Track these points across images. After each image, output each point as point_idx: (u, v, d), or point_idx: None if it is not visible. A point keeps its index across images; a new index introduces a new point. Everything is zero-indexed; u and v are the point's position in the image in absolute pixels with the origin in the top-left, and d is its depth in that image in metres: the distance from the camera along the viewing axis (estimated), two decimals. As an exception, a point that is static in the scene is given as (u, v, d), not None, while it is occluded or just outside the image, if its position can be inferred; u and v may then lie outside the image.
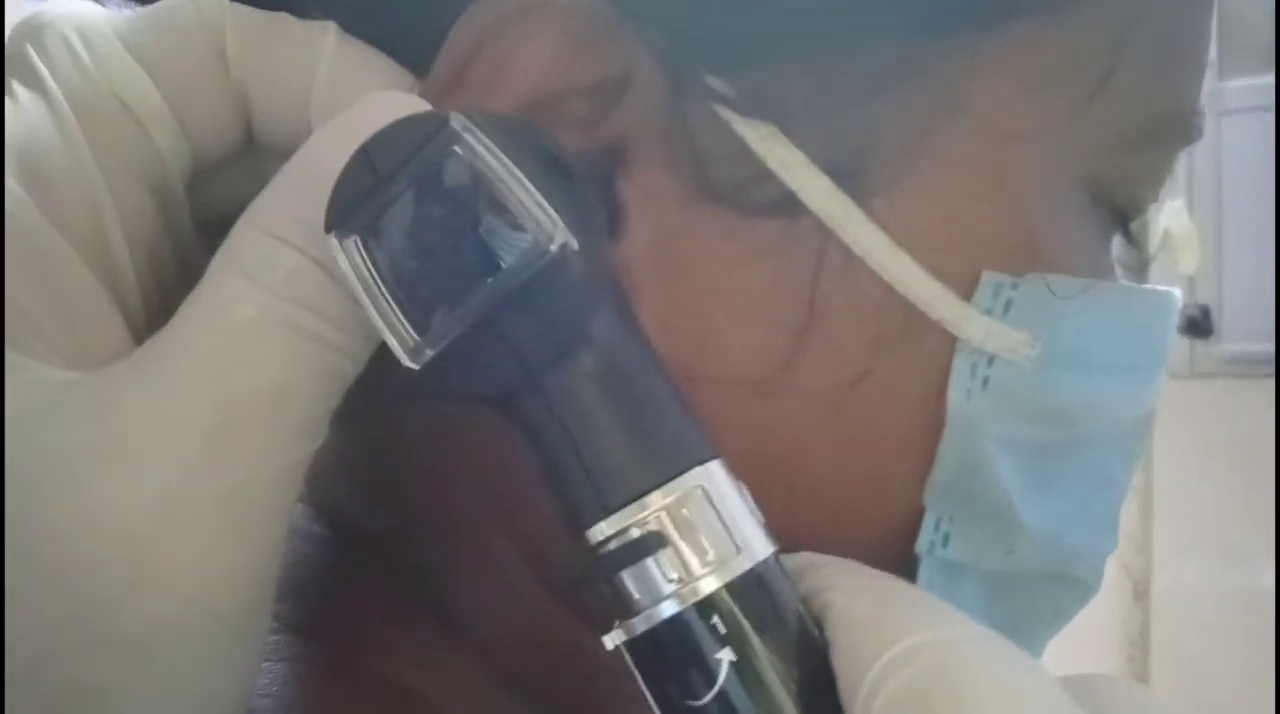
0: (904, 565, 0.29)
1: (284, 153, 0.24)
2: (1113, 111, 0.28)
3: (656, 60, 0.25)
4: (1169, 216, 1.77)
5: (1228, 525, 2.19)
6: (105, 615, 0.21)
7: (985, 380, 0.27)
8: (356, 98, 0.24)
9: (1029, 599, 0.32)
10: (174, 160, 0.25)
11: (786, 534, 0.24)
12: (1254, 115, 2.57)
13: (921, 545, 0.29)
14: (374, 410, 0.25)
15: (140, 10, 0.26)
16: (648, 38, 0.25)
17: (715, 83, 0.25)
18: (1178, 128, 0.30)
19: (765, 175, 0.26)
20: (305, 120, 0.25)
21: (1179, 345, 2.12)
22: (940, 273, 0.27)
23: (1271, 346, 1.85)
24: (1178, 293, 0.32)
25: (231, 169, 0.26)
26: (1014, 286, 0.27)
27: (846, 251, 0.26)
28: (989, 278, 0.27)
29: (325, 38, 0.26)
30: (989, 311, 0.27)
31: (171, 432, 0.22)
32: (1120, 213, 0.30)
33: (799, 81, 0.26)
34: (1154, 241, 1.73)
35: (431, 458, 0.30)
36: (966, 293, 0.27)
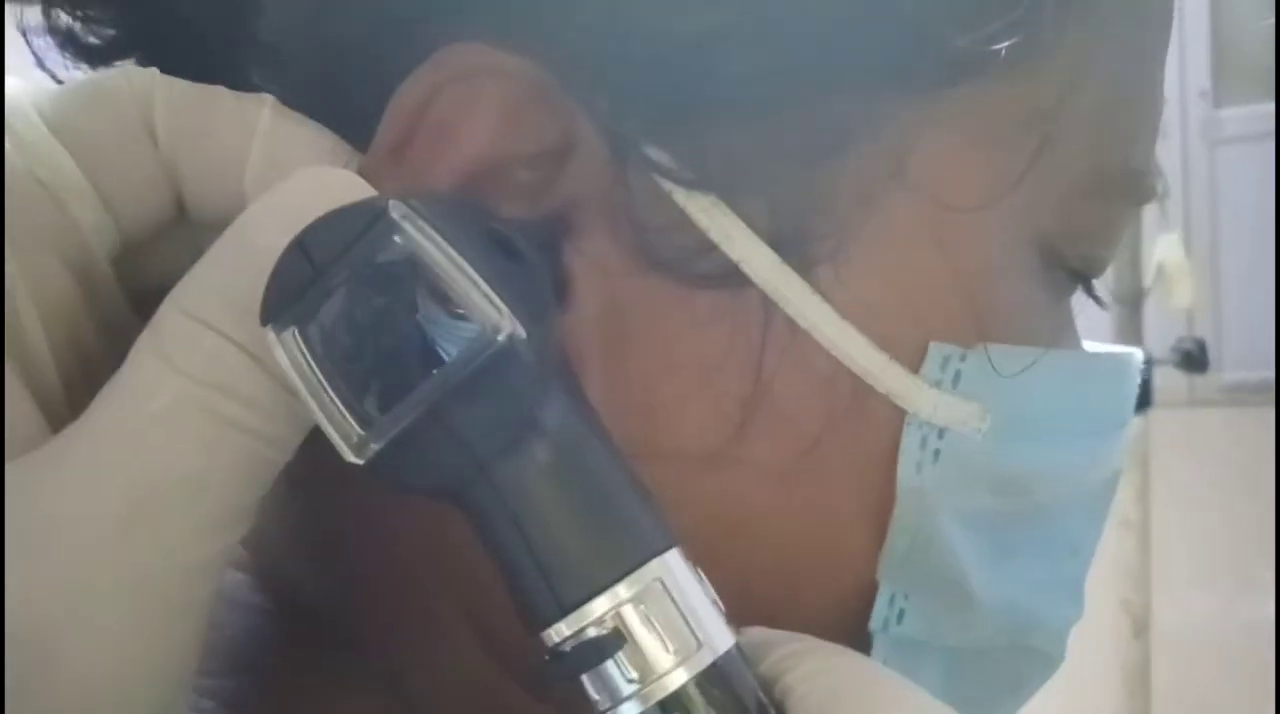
0: (860, 642, 0.29)
1: (217, 227, 0.24)
2: (1061, 171, 0.27)
3: (597, 129, 0.25)
4: (1163, 250, 1.77)
5: (1228, 557, 2.17)
6: (11, 705, 0.21)
7: (936, 453, 0.27)
8: (291, 171, 0.23)
9: (990, 673, 0.32)
10: (97, 236, 0.25)
11: (740, 609, 0.24)
12: (1250, 144, 2.58)
13: (875, 623, 0.28)
14: (317, 476, 0.24)
15: (68, 84, 0.26)
16: (588, 105, 0.25)
17: (655, 153, 0.25)
18: (1129, 185, 0.29)
19: (708, 246, 0.25)
20: (239, 194, 0.25)
21: (1177, 376, 2.11)
22: (888, 344, 0.26)
23: (1271, 374, 1.85)
24: (1138, 353, 0.32)
25: (166, 239, 0.26)
26: (963, 358, 0.27)
27: (792, 323, 0.26)
28: (937, 349, 0.27)
29: (260, 110, 0.25)
30: (938, 383, 0.27)
31: (78, 523, 0.21)
32: (1076, 272, 0.29)
33: (740, 148, 0.25)
34: (1148, 275, 1.73)
35: (376, 525, 0.29)
36: (915, 364, 0.27)
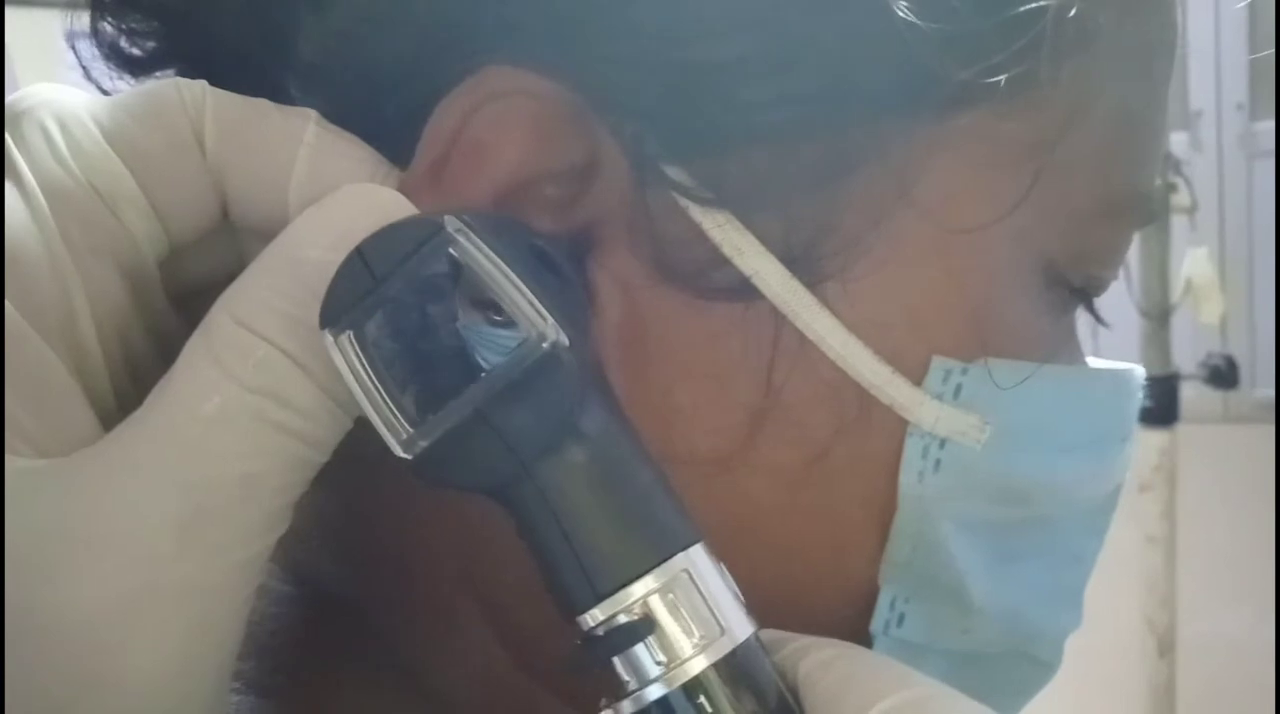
0: (861, 644, 0.29)
1: (261, 235, 0.25)
2: (1067, 196, 0.28)
3: (621, 148, 0.26)
4: (1191, 265, 1.76)
5: (1255, 575, 2.14)
6: (68, 707, 0.22)
7: (938, 462, 0.28)
8: (335, 186, 0.25)
9: (988, 679, 0.33)
10: (147, 242, 0.26)
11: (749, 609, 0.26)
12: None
13: (876, 625, 0.30)
14: (347, 469, 0.25)
15: (122, 94, 0.27)
16: (611, 125, 0.26)
17: (673, 171, 0.26)
18: (1132, 208, 0.30)
19: (722, 260, 0.27)
20: (283, 206, 0.26)
21: (1208, 391, 2.09)
22: (892, 357, 0.27)
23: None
24: (1139, 370, 0.33)
25: (209, 245, 0.27)
26: (964, 371, 0.28)
27: (801, 335, 0.27)
28: (939, 363, 0.28)
29: (305, 124, 0.26)
30: (939, 396, 0.28)
31: (138, 523, 0.22)
32: (1079, 291, 0.30)
33: (756, 169, 0.26)
34: (1176, 291, 1.71)
35: (402, 520, 0.30)
36: (918, 377, 0.28)
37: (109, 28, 0.31)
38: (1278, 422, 1.84)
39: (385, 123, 0.27)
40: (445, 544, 0.30)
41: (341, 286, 0.23)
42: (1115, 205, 0.30)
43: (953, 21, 0.25)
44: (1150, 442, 1.66)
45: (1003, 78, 0.26)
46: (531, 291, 0.23)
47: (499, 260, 0.23)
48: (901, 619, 0.30)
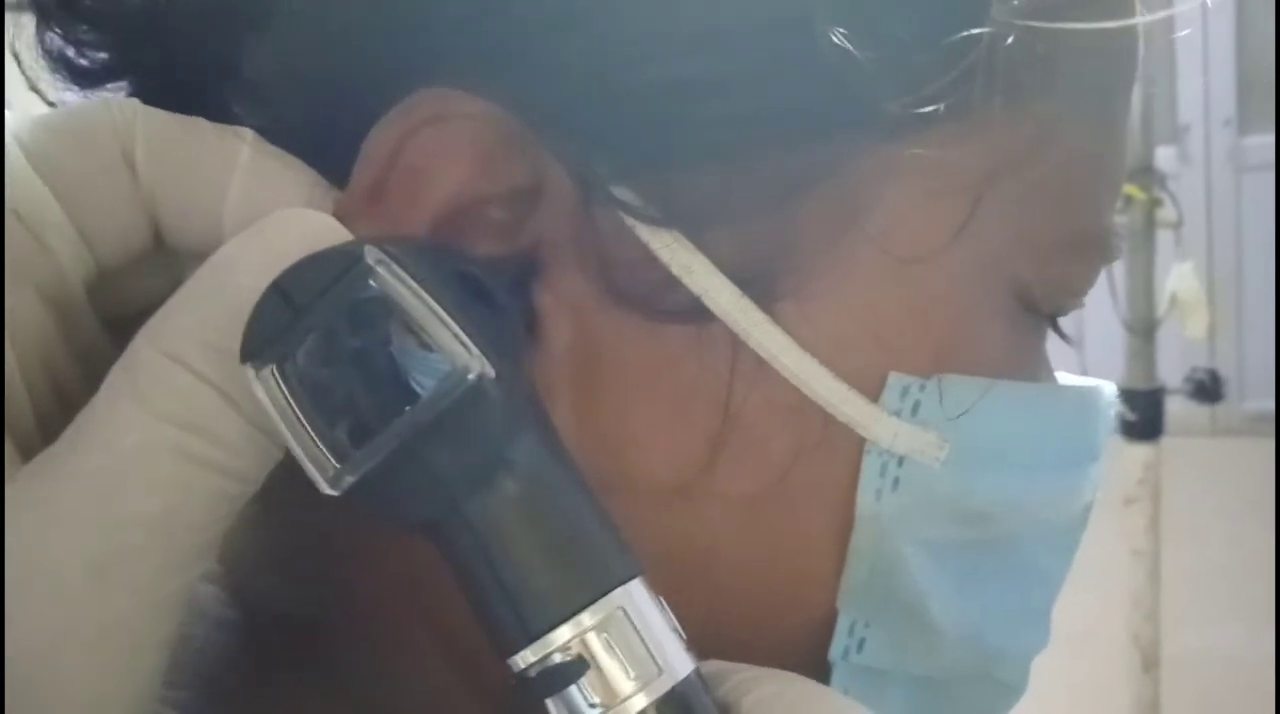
0: (825, 670, 0.29)
1: (195, 257, 0.24)
2: (1026, 225, 0.28)
3: (566, 169, 0.26)
4: (1176, 280, 1.76)
5: (1241, 590, 2.15)
6: None
7: (896, 481, 0.28)
8: (270, 209, 0.24)
9: (954, 703, 0.32)
10: (73, 268, 0.25)
11: (708, 637, 0.25)
12: (1275, 172, 2.57)
13: (835, 651, 0.29)
14: (293, 494, 0.24)
15: (47, 113, 0.26)
16: (554, 146, 0.26)
17: (620, 191, 0.26)
18: (1093, 244, 0.30)
19: (673, 281, 0.26)
20: (218, 227, 0.25)
21: (1196, 407, 2.10)
22: (849, 375, 0.27)
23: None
24: (1109, 387, 0.33)
25: (143, 266, 0.26)
26: (922, 388, 0.28)
27: (757, 357, 0.27)
28: (896, 379, 0.27)
29: (240, 145, 0.26)
30: (897, 412, 0.27)
31: (54, 563, 0.22)
32: (1044, 315, 0.30)
33: (703, 188, 0.26)
34: (1161, 306, 1.72)
35: (347, 549, 0.30)
36: (875, 394, 0.27)
37: (56, 38, 0.30)
38: (1277, 437, 1.84)
39: (325, 142, 0.26)
40: (394, 569, 0.29)
41: (261, 320, 0.22)
42: (1084, 242, 0.30)
43: (888, 49, 0.25)
44: (1135, 456, 1.66)
45: (940, 106, 0.26)
46: (456, 322, 0.22)
47: (421, 291, 0.22)
48: (861, 644, 0.29)
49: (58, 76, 0.30)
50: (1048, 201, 0.28)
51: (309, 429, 0.22)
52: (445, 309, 0.22)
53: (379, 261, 0.22)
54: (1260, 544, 2.00)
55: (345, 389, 0.22)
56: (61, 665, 0.22)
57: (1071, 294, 0.30)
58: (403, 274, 0.22)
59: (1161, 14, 0.30)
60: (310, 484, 0.23)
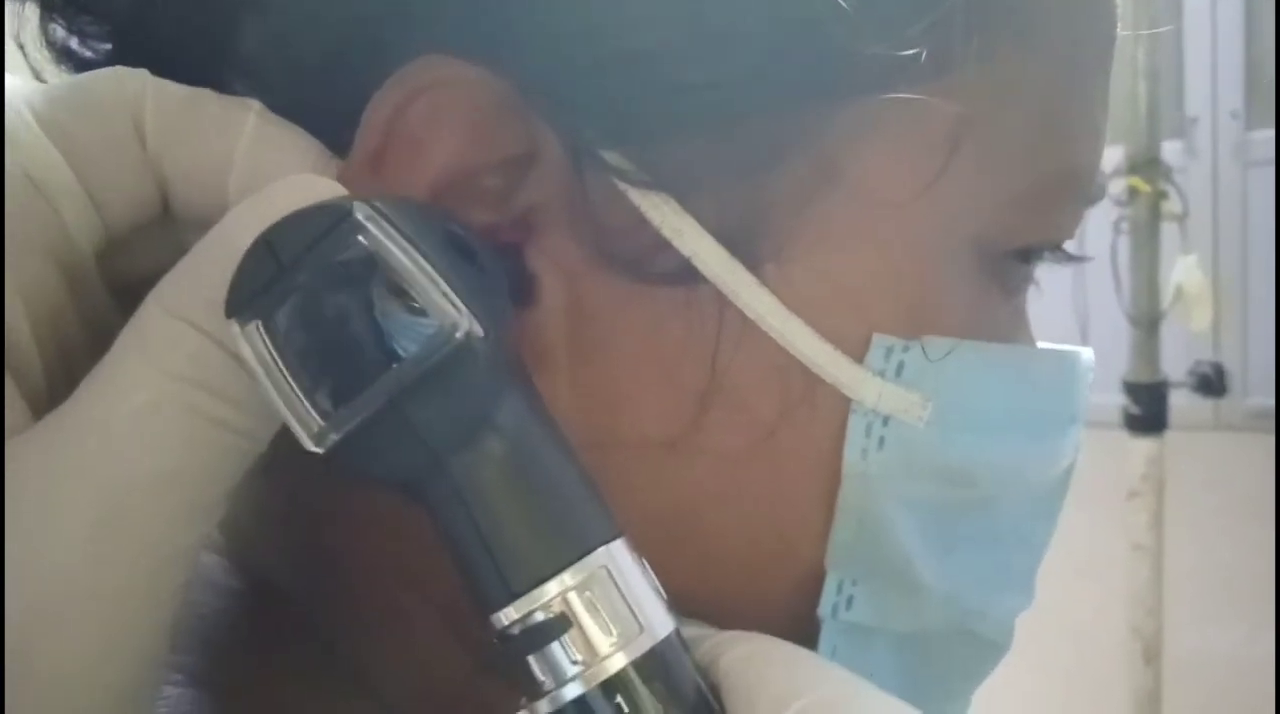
0: (812, 628, 0.30)
1: (201, 226, 0.25)
2: (998, 176, 0.29)
3: (557, 135, 0.26)
4: (1181, 273, 1.75)
5: (1243, 585, 2.15)
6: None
7: (881, 440, 0.28)
8: (275, 177, 0.24)
9: (939, 660, 0.33)
10: (83, 233, 0.26)
11: (697, 593, 0.26)
12: None
13: (824, 608, 0.30)
14: (292, 463, 0.25)
15: (60, 82, 0.26)
16: (546, 113, 0.26)
17: (611, 157, 0.26)
18: (1072, 188, 0.30)
19: (663, 244, 0.27)
20: (224, 196, 0.26)
21: (1200, 401, 2.09)
22: (834, 336, 0.28)
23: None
24: (1085, 352, 0.33)
25: (150, 235, 0.27)
26: (905, 349, 0.28)
27: (744, 317, 0.27)
28: (879, 340, 0.28)
29: (246, 115, 0.26)
30: (882, 373, 0.28)
31: (58, 520, 0.22)
32: (1024, 267, 0.31)
33: (690, 152, 0.27)
34: (1166, 298, 1.71)
35: (348, 515, 0.30)
36: (860, 355, 0.28)
37: (59, 29, 0.31)
38: (1278, 432, 1.84)
39: (326, 114, 0.27)
40: (392, 543, 0.30)
41: (247, 274, 0.22)
42: (1051, 190, 0.30)
43: None
44: (1138, 449, 1.65)
45: (919, 53, 0.26)
46: (445, 280, 0.22)
47: (410, 248, 0.22)
48: (850, 602, 0.30)
49: (62, 67, 0.31)
50: (1017, 151, 0.29)
51: (293, 385, 0.22)
52: (434, 267, 0.22)
53: (369, 217, 0.22)
54: (1263, 540, 2.00)
55: (331, 345, 0.22)
56: (66, 621, 0.22)
57: (1051, 241, 0.30)
58: (392, 231, 0.22)
59: None
60: (308, 453, 0.23)
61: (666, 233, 0.26)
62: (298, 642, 0.32)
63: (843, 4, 0.25)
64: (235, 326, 0.22)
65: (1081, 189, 0.31)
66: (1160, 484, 1.64)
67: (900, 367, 0.28)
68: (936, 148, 0.28)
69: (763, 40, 0.26)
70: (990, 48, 0.28)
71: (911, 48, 0.26)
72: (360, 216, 0.22)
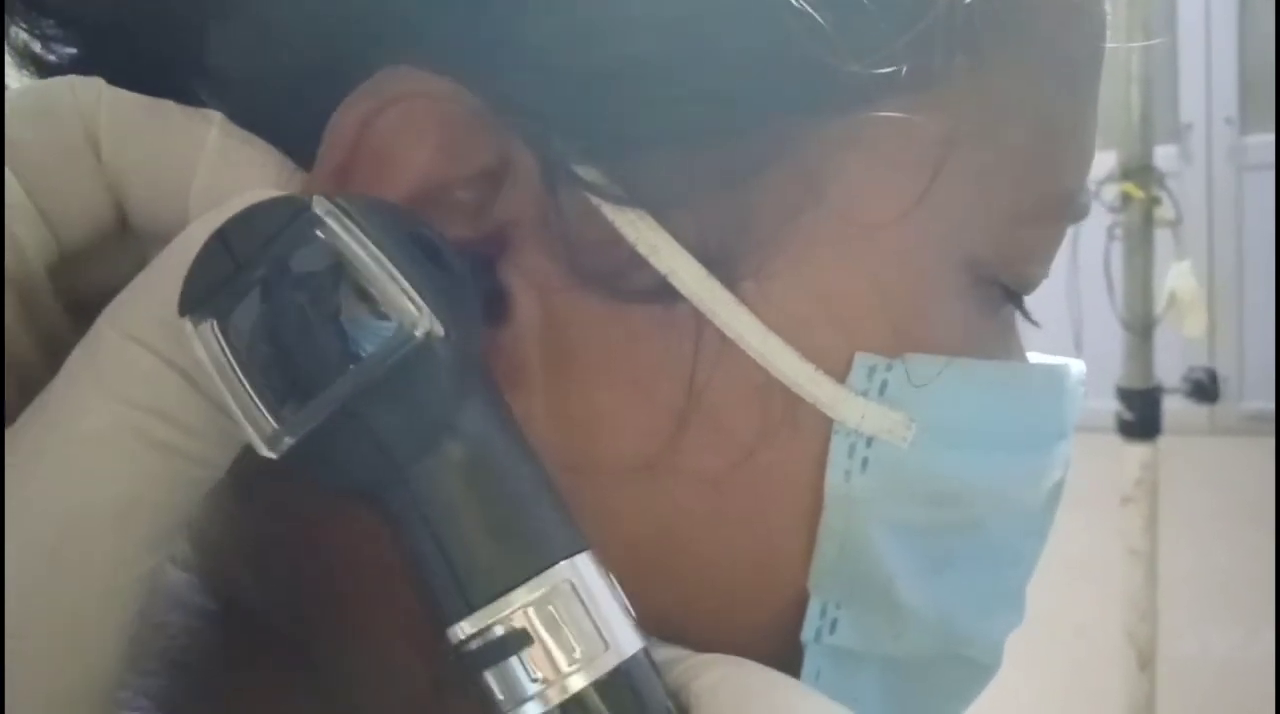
0: (797, 652, 0.29)
1: (162, 240, 0.24)
2: (986, 196, 0.28)
3: (529, 148, 0.26)
4: (1175, 278, 1.76)
5: (1237, 589, 2.15)
6: None
7: (865, 461, 0.28)
8: (237, 190, 0.24)
9: (927, 683, 0.32)
10: (34, 249, 0.25)
11: (677, 618, 0.25)
12: (1275, 171, 2.57)
13: (807, 633, 0.29)
14: (259, 480, 0.24)
15: (10, 92, 0.26)
16: (518, 127, 0.26)
17: (585, 171, 0.26)
18: (1060, 208, 0.30)
19: (639, 261, 0.26)
20: (184, 210, 0.25)
21: (1193, 406, 2.09)
22: (815, 355, 0.27)
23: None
24: (1076, 366, 0.33)
25: (108, 249, 0.26)
26: (888, 367, 0.28)
27: (722, 336, 0.27)
28: (862, 359, 0.27)
29: (208, 128, 0.25)
30: (865, 393, 0.27)
31: (9, 550, 0.21)
32: (1007, 289, 0.30)
33: (667, 167, 0.26)
34: (1160, 304, 1.71)
35: (315, 533, 0.29)
36: (842, 375, 0.27)
37: (22, 32, 0.30)
38: (1277, 437, 1.84)
39: (292, 125, 0.26)
40: (362, 559, 0.29)
41: (201, 271, 0.21)
42: (1044, 208, 0.29)
43: (845, 9, 0.25)
44: (1132, 455, 1.65)
45: (899, 69, 0.26)
46: (405, 278, 0.21)
47: (370, 244, 0.21)
48: (834, 626, 0.29)
49: (25, 72, 0.30)
50: (1009, 170, 0.28)
51: (247, 387, 0.21)
52: (395, 264, 0.21)
53: (328, 212, 0.21)
54: (1258, 545, 2.00)
55: (286, 345, 0.21)
56: (15, 656, 0.21)
57: (1035, 263, 0.30)
58: (351, 226, 0.21)
59: None
60: (280, 472, 0.22)
61: (642, 249, 0.26)
62: (269, 661, 0.31)
63: (820, 21, 0.25)
64: (189, 325, 0.22)
65: (1075, 207, 0.30)
66: (1154, 489, 1.64)
67: (884, 386, 0.28)
68: (923, 164, 0.27)
69: (738, 57, 0.25)
70: (978, 62, 0.27)
71: (892, 64, 0.26)
72: (319, 211, 0.21)
